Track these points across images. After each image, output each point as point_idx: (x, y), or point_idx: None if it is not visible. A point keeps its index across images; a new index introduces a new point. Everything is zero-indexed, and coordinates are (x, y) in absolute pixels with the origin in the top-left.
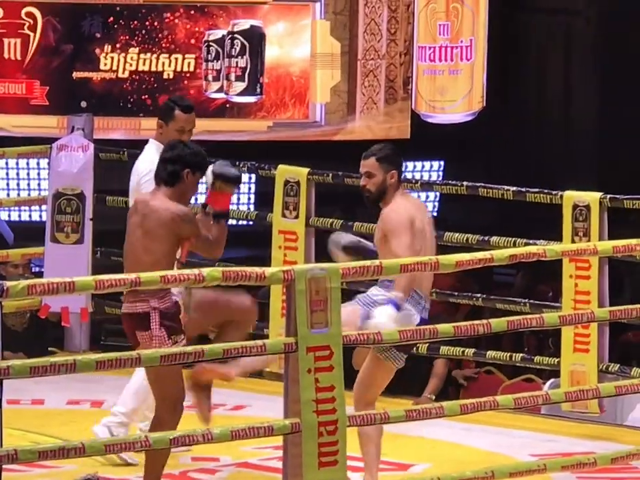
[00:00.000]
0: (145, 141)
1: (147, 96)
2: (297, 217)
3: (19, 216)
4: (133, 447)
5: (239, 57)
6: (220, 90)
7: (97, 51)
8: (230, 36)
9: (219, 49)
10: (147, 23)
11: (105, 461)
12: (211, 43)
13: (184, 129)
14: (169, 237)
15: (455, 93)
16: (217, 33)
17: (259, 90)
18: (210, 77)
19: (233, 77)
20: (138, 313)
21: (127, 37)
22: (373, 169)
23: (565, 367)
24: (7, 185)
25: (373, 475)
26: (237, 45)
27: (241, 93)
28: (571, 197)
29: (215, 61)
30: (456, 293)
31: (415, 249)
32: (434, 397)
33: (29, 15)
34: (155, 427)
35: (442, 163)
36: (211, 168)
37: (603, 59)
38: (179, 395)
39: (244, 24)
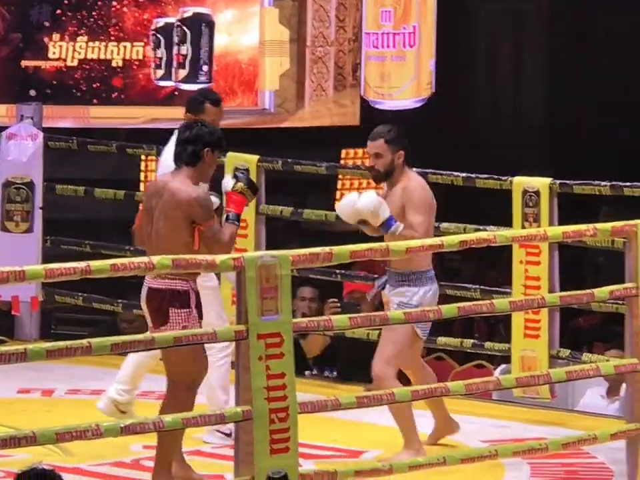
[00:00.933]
0: (94, 130)
1: (96, 84)
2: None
3: None
4: (85, 435)
5: (181, 45)
6: (168, 78)
7: (46, 39)
8: (179, 23)
9: (166, 37)
10: (95, 12)
11: (57, 450)
12: (158, 31)
13: (214, 121)
14: (185, 221)
15: (398, 80)
16: (164, 21)
17: (202, 78)
18: (158, 65)
19: (175, 64)
20: (178, 290)
21: (76, 26)
22: (382, 149)
23: (515, 352)
24: None
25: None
26: (180, 33)
27: (183, 80)
28: (521, 182)
29: (163, 49)
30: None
31: (430, 229)
32: None
33: None
34: (170, 407)
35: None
36: (233, 172)
37: (554, 45)
38: (196, 375)
39: (189, 12)
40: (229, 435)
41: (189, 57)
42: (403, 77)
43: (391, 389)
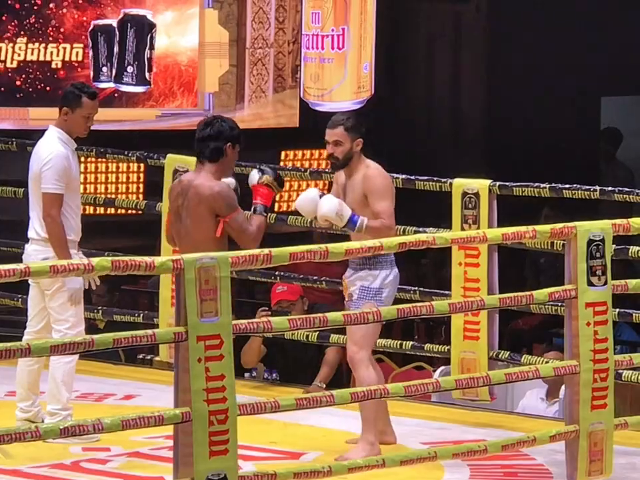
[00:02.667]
0: (34, 131)
1: (35, 86)
2: None
3: None
4: (24, 437)
5: (121, 46)
6: (108, 79)
7: None
8: (119, 25)
9: (105, 39)
10: (35, 13)
11: None
12: (97, 33)
13: (90, 115)
14: (209, 214)
15: (326, 82)
16: (103, 22)
17: (146, 79)
18: (98, 67)
19: (115, 65)
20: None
21: (15, 28)
22: (341, 137)
23: (455, 354)
24: None
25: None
26: (119, 34)
27: (123, 82)
28: (460, 184)
29: (103, 51)
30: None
31: (394, 214)
32: (324, 385)
33: None
34: None
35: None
36: (258, 166)
37: (492, 47)
38: None
39: (129, 13)
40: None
41: (128, 59)
42: (331, 80)
43: (330, 392)
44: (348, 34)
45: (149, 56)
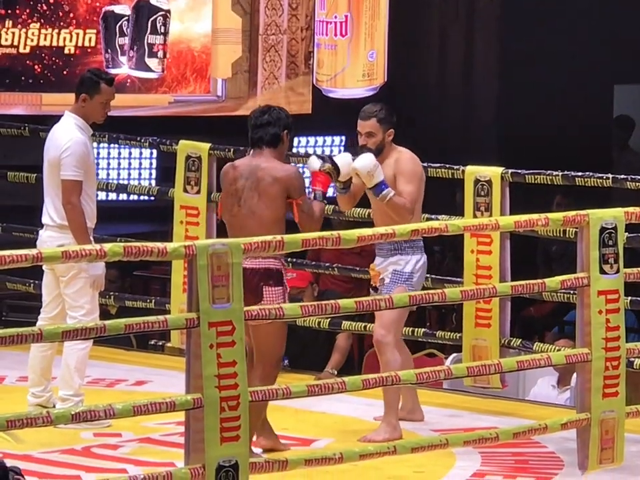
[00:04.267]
0: (47, 117)
1: (48, 71)
2: (198, 192)
3: None
4: (35, 422)
5: (135, 32)
6: (120, 65)
7: None
8: (132, 11)
9: (119, 25)
10: None
11: (8, 437)
12: (111, 18)
13: (108, 101)
14: (282, 196)
15: (329, 68)
16: (117, 8)
17: (155, 65)
18: (110, 53)
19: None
20: (271, 268)
21: (28, 13)
22: (374, 129)
23: (466, 341)
24: None
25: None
26: (134, 20)
27: (136, 68)
28: (473, 172)
29: (116, 37)
30: (357, 268)
31: (419, 200)
32: (336, 372)
33: None
34: (257, 379)
35: (343, 138)
36: (321, 154)
37: (505, 34)
38: (282, 351)
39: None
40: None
41: (142, 45)
42: (333, 66)
43: (342, 378)
44: (351, 21)
45: (162, 42)
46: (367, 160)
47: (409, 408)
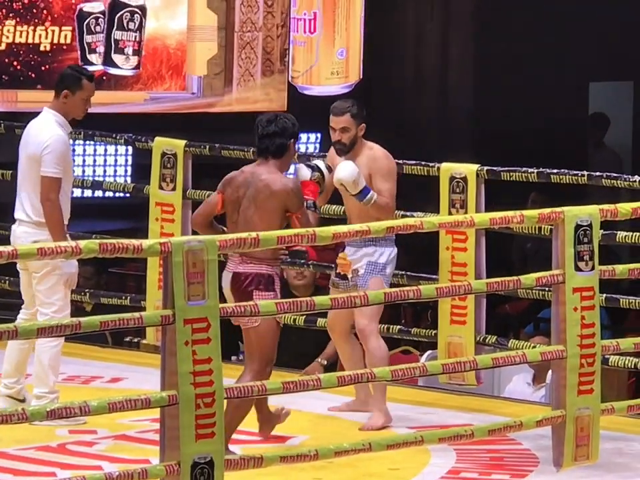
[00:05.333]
0: (22, 114)
1: (24, 68)
2: (174, 189)
3: None
4: (10, 419)
5: (111, 29)
6: (96, 62)
7: None
8: (128, 9)
9: (95, 22)
10: None
11: None
12: (94, 15)
13: (89, 97)
14: (279, 210)
15: (300, 64)
16: (88, 6)
17: (131, 62)
18: (86, 49)
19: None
20: (262, 274)
21: (4, 10)
22: (348, 124)
23: (442, 338)
24: None
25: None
26: (137, 20)
27: (112, 65)
28: (448, 168)
29: (92, 34)
30: (332, 266)
31: (395, 195)
32: (325, 363)
33: None
34: (254, 378)
35: (319, 135)
36: (316, 162)
37: (480, 32)
38: (274, 352)
39: None
40: (22, 401)
41: (109, 41)
42: (303, 62)
43: (317, 375)
44: (320, 18)
45: (138, 39)
46: (349, 169)
47: (362, 399)
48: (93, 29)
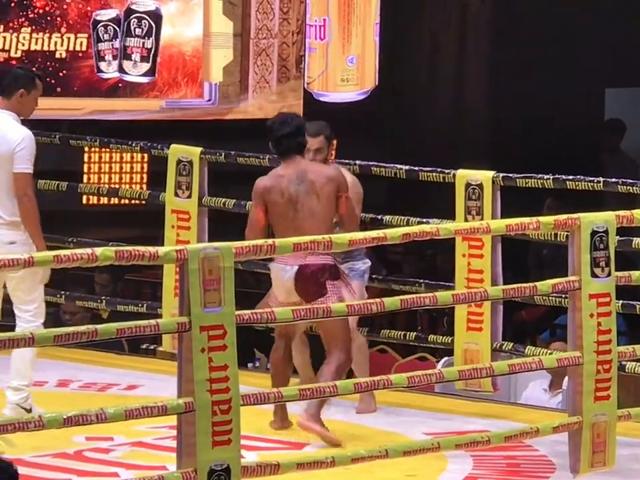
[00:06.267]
0: (38, 120)
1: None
2: (189, 196)
3: None
4: (27, 426)
5: (146, 38)
6: (112, 70)
7: None
8: (134, 15)
9: (111, 29)
10: (39, 3)
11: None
12: (103, 23)
13: (39, 96)
14: (334, 193)
15: (311, 70)
16: (109, 13)
17: (147, 69)
18: (108, 57)
19: (137, 57)
20: (331, 265)
21: (20, 17)
22: (322, 144)
23: (458, 345)
24: None
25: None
26: (144, 26)
27: (145, 74)
28: (464, 175)
29: (113, 40)
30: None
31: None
32: None
33: None
34: (333, 371)
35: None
36: None
37: (496, 39)
38: (350, 342)
39: (147, 4)
40: (29, 411)
41: (141, 50)
42: (314, 69)
43: (333, 382)
44: (329, 25)
45: (154, 46)
46: None
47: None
48: (101, 37)
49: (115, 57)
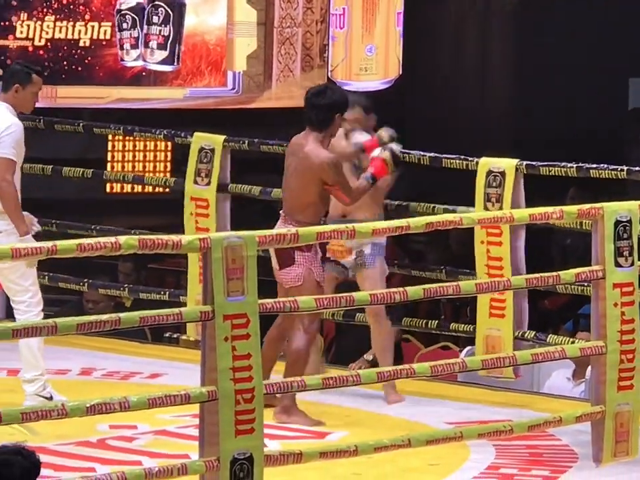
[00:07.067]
0: (61, 109)
1: (63, 64)
2: (208, 183)
3: None
4: (50, 414)
5: (162, 25)
6: (137, 58)
7: (14, 19)
8: (152, 4)
9: (135, 17)
10: None
11: (22, 429)
12: (125, 11)
13: (38, 91)
14: (316, 181)
15: (332, 59)
16: (132, 1)
17: (171, 58)
18: (126, 46)
19: (154, 44)
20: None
21: (44, 5)
22: (359, 115)
23: (480, 331)
24: None
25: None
26: (161, 13)
27: (163, 62)
28: (487, 163)
29: (132, 29)
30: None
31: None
32: (371, 357)
33: None
34: (302, 339)
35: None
36: (389, 137)
37: (521, 26)
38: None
39: None
40: (49, 399)
41: (166, 38)
42: (336, 58)
43: (356, 371)
44: (348, 14)
45: (178, 34)
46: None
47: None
48: (123, 25)
49: (133, 46)
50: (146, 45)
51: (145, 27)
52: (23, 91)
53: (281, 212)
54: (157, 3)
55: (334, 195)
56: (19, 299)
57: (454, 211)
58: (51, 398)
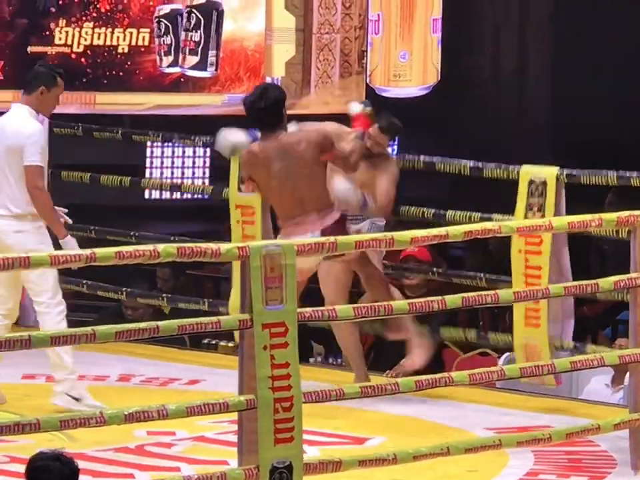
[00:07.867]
0: (100, 116)
1: (101, 70)
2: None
3: None
4: (88, 422)
5: (194, 31)
6: (174, 64)
7: (52, 25)
8: (187, 9)
9: (170, 24)
10: (103, 2)
11: (61, 435)
12: (161, 18)
13: (60, 94)
14: (319, 154)
15: (370, 65)
16: (167, 8)
17: (211, 65)
18: (163, 52)
19: (187, 50)
20: (339, 219)
21: (82, 12)
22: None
23: (517, 339)
24: None
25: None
26: (193, 19)
27: (194, 67)
28: (528, 172)
29: (166, 36)
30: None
31: None
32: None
33: None
34: (379, 291)
35: (397, 137)
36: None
37: (558, 33)
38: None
39: None
40: (77, 400)
41: (197, 44)
42: (372, 64)
43: (395, 379)
44: (382, 20)
45: (217, 41)
46: (344, 193)
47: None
48: (159, 32)
49: (166, 53)
50: (181, 51)
51: (182, 33)
52: (48, 93)
53: (291, 221)
54: (191, 9)
55: (337, 164)
56: (39, 299)
57: (489, 219)
58: (79, 399)
